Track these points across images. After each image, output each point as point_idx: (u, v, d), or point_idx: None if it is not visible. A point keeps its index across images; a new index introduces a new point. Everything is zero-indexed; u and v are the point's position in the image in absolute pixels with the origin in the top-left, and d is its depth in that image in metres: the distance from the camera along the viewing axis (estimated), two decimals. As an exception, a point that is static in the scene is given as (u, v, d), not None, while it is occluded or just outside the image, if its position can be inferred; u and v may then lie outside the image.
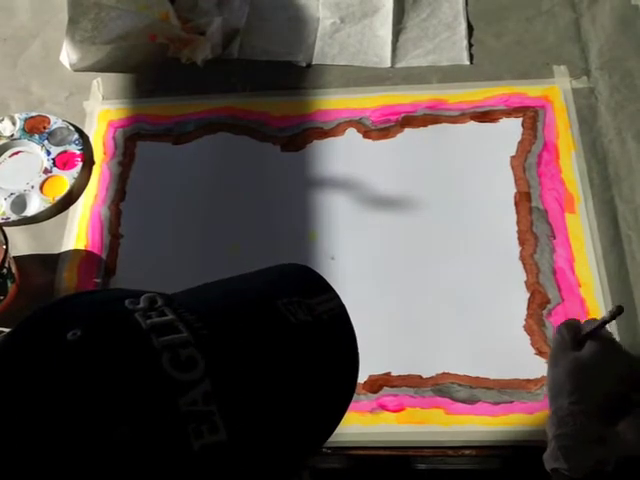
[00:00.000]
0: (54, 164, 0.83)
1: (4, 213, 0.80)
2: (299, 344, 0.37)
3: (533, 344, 0.67)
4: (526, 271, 0.71)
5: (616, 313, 0.57)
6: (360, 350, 0.38)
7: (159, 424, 0.30)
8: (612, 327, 0.67)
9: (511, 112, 0.81)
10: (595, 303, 0.69)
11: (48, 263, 0.77)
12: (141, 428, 0.30)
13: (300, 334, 0.37)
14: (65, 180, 0.82)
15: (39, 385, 0.30)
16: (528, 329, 0.68)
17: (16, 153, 0.86)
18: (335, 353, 0.38)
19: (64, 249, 0.78)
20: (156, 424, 0.30)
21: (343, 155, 0.81)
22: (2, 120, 0.87)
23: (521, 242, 0.73)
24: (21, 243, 0.78)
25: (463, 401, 0.65)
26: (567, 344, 0.58)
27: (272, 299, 0.38)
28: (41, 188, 0.82)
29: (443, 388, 0.66)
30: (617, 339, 0.66)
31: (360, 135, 0.82)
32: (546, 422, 0.56)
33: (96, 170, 0.83)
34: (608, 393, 0.56)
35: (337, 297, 0.40)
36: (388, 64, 0.87)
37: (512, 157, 0.78)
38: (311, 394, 0.37)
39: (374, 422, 0.65)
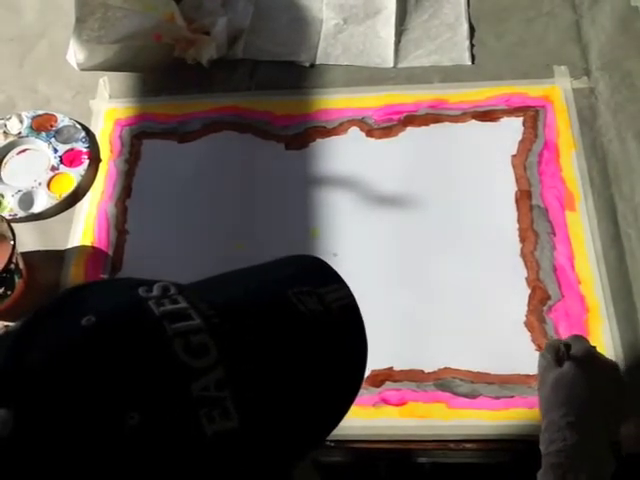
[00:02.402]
0: (61, 161, 0.84)
1: (12, 210, 0.81)
2: (310, 333, 0.37)
3: (534, 340, 0.68)
4: (527, 268, 0.72)
5: (566, 346, 0.60)
6: (366, 333, 0.39)
7: (171, 409, 0.31)
8: (612, 326, 0.68)
9: (512, 112, 0.82)
10: (595, 300, 0.70)
11: (55, 259, 0.78)
12: (153, 413, 0.31)
13: (311, 323, 0.37)
14: (72, 177, 0.83)
15: (50, 369, 0.31)
16: (529, 325, 0.69)
17: (23, 151, 0.87)
18: (345, 342, 0.39)
19: (71, 245, 0.79)
20: (168, 409, 0.31)
21: (346, 153, 0.82)
22: (10, 118, 0.88)
23: (522, 239, 0.74)
24: (28, 239, 0.79)
25: (464, 395, 0.66)
26: (550, 364, 0.59)
27: (283, 288, 0.38)
28: (48, 185, 0.83)
29: (445, 383, 0.67)
30: (613, 346, 0.67)
31: (363, 134, 0.83)
32: (540, 438, 0.56)
33: (102, 167, 0.84)
34: (598, 403, 0.56)
35: (347, 287, 0.40)
36: (391, 64, 0.88)
37: (513, 156, 0.79)
38: (321, 382, 0.37)
39: (376, 416, 0.66)
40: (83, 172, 0.83)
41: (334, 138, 0.83)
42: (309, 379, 0.36)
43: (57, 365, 0.31)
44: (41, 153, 0.86)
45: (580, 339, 0.61)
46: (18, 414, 0.30)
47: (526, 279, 0.71)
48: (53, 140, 0.86)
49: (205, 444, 0.31)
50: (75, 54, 0.90)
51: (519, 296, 0.71)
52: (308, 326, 0.37)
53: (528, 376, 0.66)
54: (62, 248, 0.79)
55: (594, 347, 0.61)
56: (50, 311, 0.34)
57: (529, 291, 0.71)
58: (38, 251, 0.79)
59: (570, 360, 0.58)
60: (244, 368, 0.33)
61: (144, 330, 0.33)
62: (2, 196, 0.82)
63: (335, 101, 0.86)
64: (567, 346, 0.60)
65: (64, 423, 0.30)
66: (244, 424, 0.32)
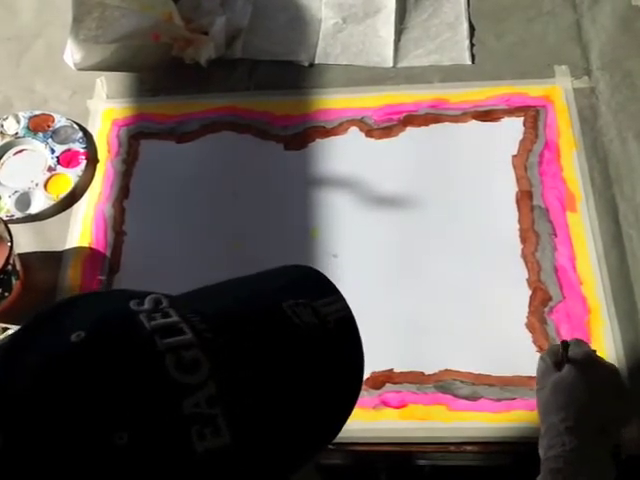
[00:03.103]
0: (58, 162, 0.84)
1: (8, 211, 0.80)
2: (304, 347, 0.37)
3: (535, 341, 0.68)
4: (528, 269, 0.72)
5: (564, 347, 0.59)
6: (363, 347, 0.38)
7: (161, 426, 0.30)
8: (613, 327, 0.67)
9: (512, 111, 0.82)
10: (596, 301, 0.69)
11: (52, 260, 0.78)
12: (143, 431, 0.30)
13: (306, 337, 0.37)
14: (69, 178, 0.82)
15: (39, 388, 0.30)
16: (530, 326, 0.69)
17: (20, 151, 0.86)
18: (341, 357, 0.38)
19: (68, 246, 0.79)
20: (158, 426, 0.30)
21: (345, 154, 0.82)
22: (6, 118, 0.87)
23: (523, 240, 0.73)
24: (25, 240, 0.79)
25: (465, 397, 0.66)
26: (549, 367, 0.59)
27: (278, 301, 0.37)
28: (45, 186, 0.82)
29: (445, 385, 0.66)
30: (614, 347, 0.66)
31: (362, 134, 0.83)
32: (538, 443, 0.56)
33: (100, 168, 0.84)
34: (598, 407, 0.56)
35: (343, 299, 0.39)
36: (390, 64, 0.88)
37: (514, 156, 0.79)
38: (315, 397, 0.36)
39: (377, 418, 0.66)
40: (80, 173, 0.82)
41: (333, 138, 0.83)
42: (303, 393, 0.36)
43: (45, 384, 0.30)
44: (38, 154, 0.86)
45: (580, 343, 0.61)
46: (5, 434, 0.29)
47: (527, 280, 0.71)
48: (50, 140, 0.85)
49: (195, 462, 0.30)
50: (72, 54, 0.90)
51: (520, 297, 0.70)
52: (303, 340, 0.37)
53: (529, 378, 0.65)
54: (59, 249, 0.78)
55: (594, 351, 0.60)
56: (39, 326, 0.33)
57: (530, 292, 0.70)
58: (35, 252, 0.79)
59: (569, 363, 0.58)
60: (236, 384, 0.33)
61: (135, 346, 0.32)
62: (-1, 197, 0.82)
63: (334, 101, 0.86)
64: (565, 348, 0.59)
65: (51, 444, 0.29)
66: (236, 441, 0.31)
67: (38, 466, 0.29)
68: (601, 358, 0.60)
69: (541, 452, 0.55)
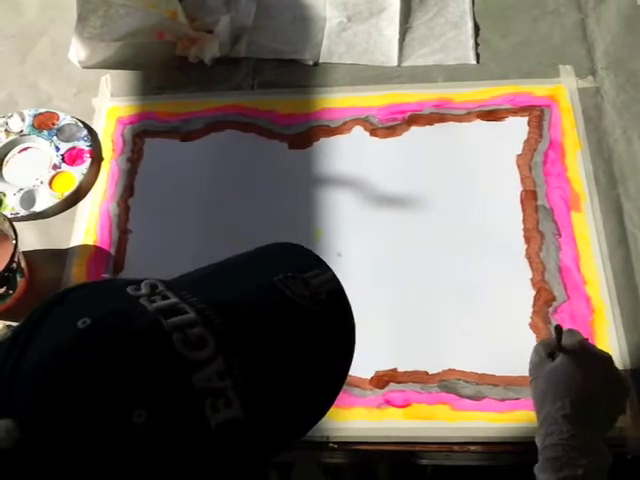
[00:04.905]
0: (63, 160, 0.84)
1: (13, 208, 0.81)
2: (299, 319, 0.38)
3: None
4: (532, 269, 0.72)
5: (558, 332, 0.59)
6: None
7: (176, 402, 0.31)
8: (618, 327, 0.67)
9: (517, 111, 0.82)
10: (601, 301, 0.69)
11: (57, 258, 0.78)
12: (159, 408, 0.31)
13: (299, 309, 0.38)
14: (74, 176, 0.82)
15: (51, 376, 0.31)
16: (534, 326, 0.69)
17: (25, 149, 0.86)
18: (335, 325, 0.39)
19: (73, 244, 0.79)
20: (173, 402, 0.31)
21: (350, 153, 0.82)
22: (11, 116, 0.87)
23: (527, 240, 0.73)
24: (30, 238, 0.79)
25: (469, 397, 0.66)
26: (543, 359, 0.59)
27: (268, 276, 0.39)
28: (50, 184, 0.82)
29: (449, 384, 0.66)
30: (618, 347, 0.66)
31: (367, 133, 0.83)
32: (536, 433, 0.56)
33: (105, 166, 0.84)
34: (593, 395, 0.56)
35: (330, 270, 0.40)
36: (395, 63, 0.88)
37: (518, 156, 0.79)
38: (311, 368, 0.37)
39: (380, 418, 0.66)
40: (85, 171, 0.82)
41: (338, 137, 0.83)
42: (302, 362, 0.37)
43: (58, 371, 0.31)
44: (43, 151, 0.86)
45: (571, 332, 0.61)
46: (23, 423, 0.29)
47: (531, 280, 0.71)
48: (55, 138, 0.85)
49: (211, 435, 0.31)
50: (77, 52, 0.90)
51: (524, 297, 0.70)
52: (297, 312, 0.38)
53: (533, 378, 0.66)
54: (64, 247, 0.79)
55: (586, 339, 0.61)
56: (43, 315, 0.34)
57: (534, 292, 0.70)
58: (40, 250, 0.79)
59: (563, 353, 0.58)
60: (243, 357, 0.34)
61: (142, 327, 0.33)
62: (4, 195, 0.82)
63: (339, 100, 0.86)
64: (559, 333, 0.59)
65: (72, 429, 0.30)
66: (246, 413, 0.33)
67: (59, 452, 0.29)
68: (594, 346, 0.61)
69: (538, 441, 0.55)
